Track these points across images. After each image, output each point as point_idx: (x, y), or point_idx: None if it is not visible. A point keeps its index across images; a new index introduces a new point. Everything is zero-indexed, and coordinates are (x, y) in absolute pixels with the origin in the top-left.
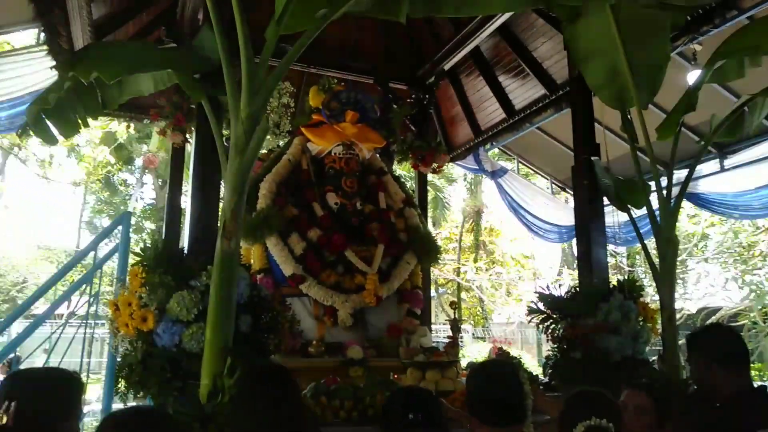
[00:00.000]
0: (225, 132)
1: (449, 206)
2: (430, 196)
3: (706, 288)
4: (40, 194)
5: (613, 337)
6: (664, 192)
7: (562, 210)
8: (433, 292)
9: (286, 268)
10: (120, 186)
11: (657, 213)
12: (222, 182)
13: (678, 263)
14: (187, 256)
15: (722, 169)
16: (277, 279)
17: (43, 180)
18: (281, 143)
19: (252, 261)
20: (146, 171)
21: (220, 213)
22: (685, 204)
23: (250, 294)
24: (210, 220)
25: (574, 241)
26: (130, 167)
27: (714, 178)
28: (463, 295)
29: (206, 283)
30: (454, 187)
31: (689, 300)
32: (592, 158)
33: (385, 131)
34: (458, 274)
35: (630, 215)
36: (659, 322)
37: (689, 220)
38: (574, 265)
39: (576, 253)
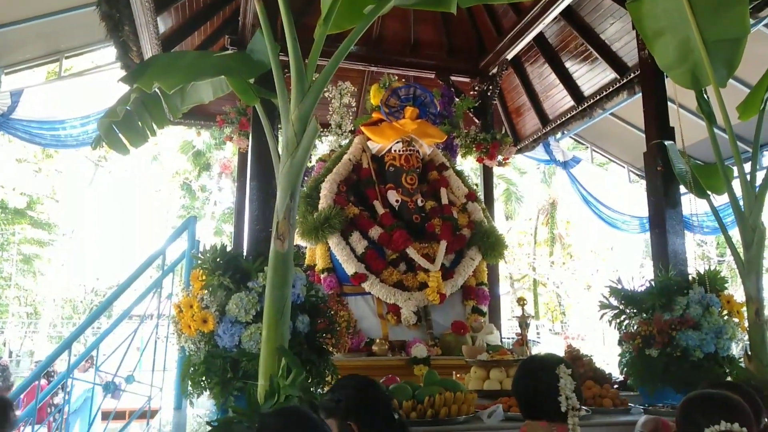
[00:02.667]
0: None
1: (521, 199)
2: (501, 189)
3: None
4: (126, 203)
5: (693, 332)
6: (748, 176)
7: (641, 199)
8: (508, 288)
9: (348, 267)
10: (199, 191)
11: (740, 199)
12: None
13: None
14: (245, 258)
15: None
16: (341, 278)
17: (130, 188)
18: (344, 143)
19: (316, 260)
20: (223, 176)
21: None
22: None
23: (307, 294)
24: (267, 223)
25: None
26: (209, 173)
27: None
28: (540, 290)
29: (263, 284)
30: (525, 179)
31: None
32: (666, 142)
33: (446, 125)
34: (533, 269)
35: (710, 202)
36: (746, 317)
37: None
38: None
39: None
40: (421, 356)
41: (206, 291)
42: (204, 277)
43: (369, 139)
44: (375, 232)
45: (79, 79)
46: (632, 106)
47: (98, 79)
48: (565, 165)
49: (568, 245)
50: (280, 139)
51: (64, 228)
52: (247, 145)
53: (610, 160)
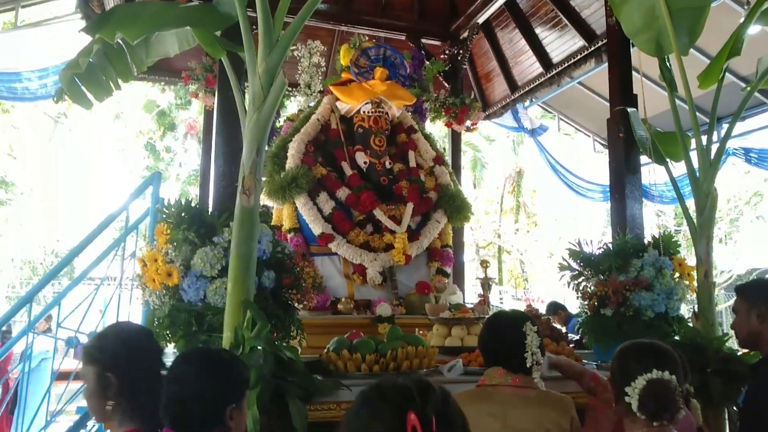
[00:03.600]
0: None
1: (486, 166)
2: (468, 156)
3: (758, 248)
4: (87, 162)
5: (645, 293)
6: (704, 142)
7: (605, 168)
8: (473, 255)
9: (315, 227)
10: (164, 152)
11: (696, 168)
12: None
13: (728, 222)
14: (211, 213)
15: None
16: (307, 238)
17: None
18: (313, 104)
19: (283, 221)
20: (188, 136)
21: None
22: (737, 161)
23: (273, 251)
24: (233, 178)
25: None
26: (174, 134)
27: (766, 132)
28: (504, 257)
29: (229, 239)
30: (493, 147)
31: (738, 260)
32: (629, 109)
33: (416, 88)
34: (498, 236)
35: (668, 169)
36: (695, 279)
37: (744, 175)
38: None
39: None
40: (385, 315)
41: (171, 245)
42: (168, 231)
43: (338, 99)
44: (342, 193)
45: (37, 30)
46: (599, 75)
47: (57, 30)
48: (533, 133)
49: (533, 214)
50: (247, 95)
51: (22, 187)
52: (213, 103)
53: (577, 130)
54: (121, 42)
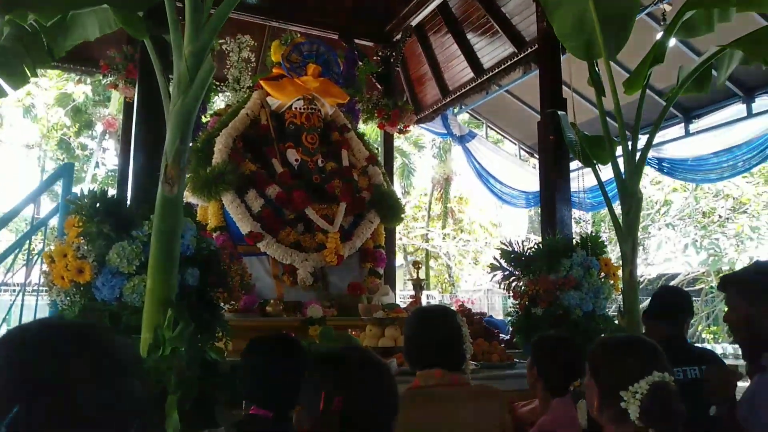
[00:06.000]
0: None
1: (415, 172)
2: (397, 162)
3: (667, 254)
4: None
5: (575, 292)
6: (630, 146)
7: (529, 176)
8: (401, 260)
9: (243, 225)
10: (79, 150)
11: (622, 170)
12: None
13: (640, 229)
14: (129, 205)
15: (687, 134)
16: (234, 237)
17: None
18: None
19: (208, 219)
20: (107, 136)
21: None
22: (649, 170)
23: (198, 247)
24: (154, 169)
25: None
26: (90, 132)
27: (678, 143)
28: (432, 263)
29: (149, 233)
30: (423, 153)
31: (650, 265)
32: (559, 112)
33: (349, 88)
34: (426, 241)
35: (595, 171)
36: (621, 279)
37: (652, 184)
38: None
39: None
40: (316, 316)
41: (83, 239)
42: (81, 224)
43: (268, 94)
44: (272, 190)
45: None
46: (527, 84)
47: None
48: (461, 139)
49: (459, 220)
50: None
51: None
52: (134, 94)
53: (503, 137)
54: (35, 24)
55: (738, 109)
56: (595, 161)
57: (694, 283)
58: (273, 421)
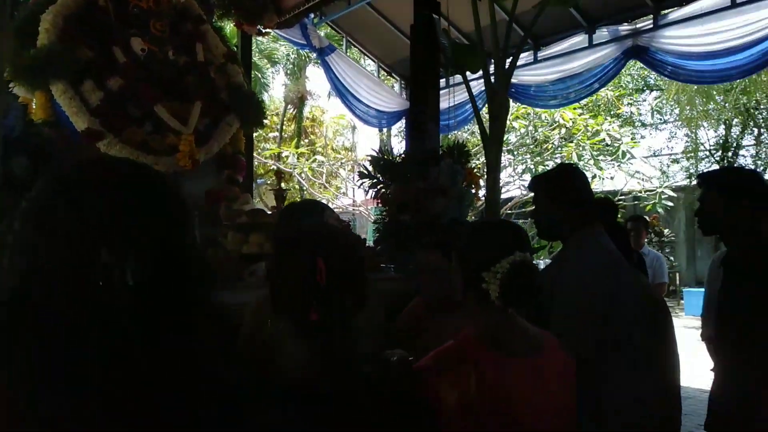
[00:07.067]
0: None
1: (268, 88)
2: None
3: (506, 177)
4: None
5: (441, 199)
6: (500, 53)
7: (387, 95)
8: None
9: (78, 121)
10: None
11: (492, 77)
12: None
13: None
14: None
15: (535, 60)
16: (66, 134)
17: None
18: None
19: (33, 111)
20: None
21: None
22: None
23: (26, 132)
24: None
25: (393, 131)
26: None
27: (527, 70)
28: (283, 185)
29: None
30: (276, 69)
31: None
32: (433, 15)
33: None
34: (279, 160)
35: (464, 77)
36: (483, 185)
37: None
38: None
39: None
40: None
41: None
42: None
43: None
44: (115, 82)
45: None
46: (392, 2)
47: None
48: (321, 52)
49: (313, 142)
50: None
51: None
52: None
53: (363, 53)
54: None
55: (582, 39)
56: (465, 69)
57: (525, 206)
58: None
